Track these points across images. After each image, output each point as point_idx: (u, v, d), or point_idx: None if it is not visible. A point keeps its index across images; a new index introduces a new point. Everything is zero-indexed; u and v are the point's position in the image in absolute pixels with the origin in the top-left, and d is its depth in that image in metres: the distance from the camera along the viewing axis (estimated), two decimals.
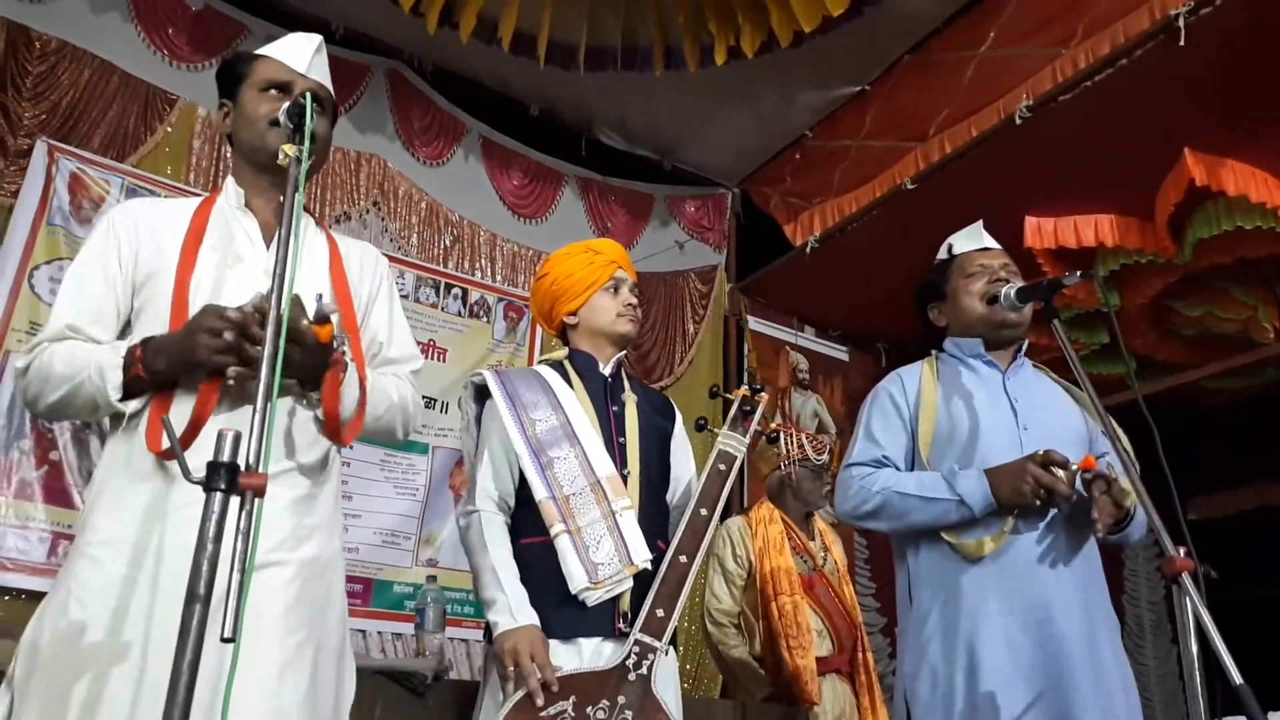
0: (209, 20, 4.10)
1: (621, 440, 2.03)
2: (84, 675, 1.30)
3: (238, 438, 1.03)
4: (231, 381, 1.38)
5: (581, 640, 1.83)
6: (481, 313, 4.57)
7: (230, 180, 1.68)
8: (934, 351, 2.20)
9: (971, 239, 2.20)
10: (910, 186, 4.27)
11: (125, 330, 1.54)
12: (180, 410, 1.42)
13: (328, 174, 4.24)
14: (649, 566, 1.86)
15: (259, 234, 1.62)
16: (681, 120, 5.01)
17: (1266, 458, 5.57)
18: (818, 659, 3.08)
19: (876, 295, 4.91)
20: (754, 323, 5.45)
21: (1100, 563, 1.95)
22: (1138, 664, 5.48)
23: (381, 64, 4.52)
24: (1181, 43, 3.23)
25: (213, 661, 1.12)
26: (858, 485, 2.03)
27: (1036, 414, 2.01)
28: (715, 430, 2.04)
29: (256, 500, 1.02)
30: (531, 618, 1.78)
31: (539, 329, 4.63)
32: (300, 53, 1.69)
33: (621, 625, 1.84)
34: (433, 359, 4.26)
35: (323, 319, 1.40)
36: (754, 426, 2.07)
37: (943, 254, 2.24)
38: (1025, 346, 2.14)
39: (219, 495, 1.01)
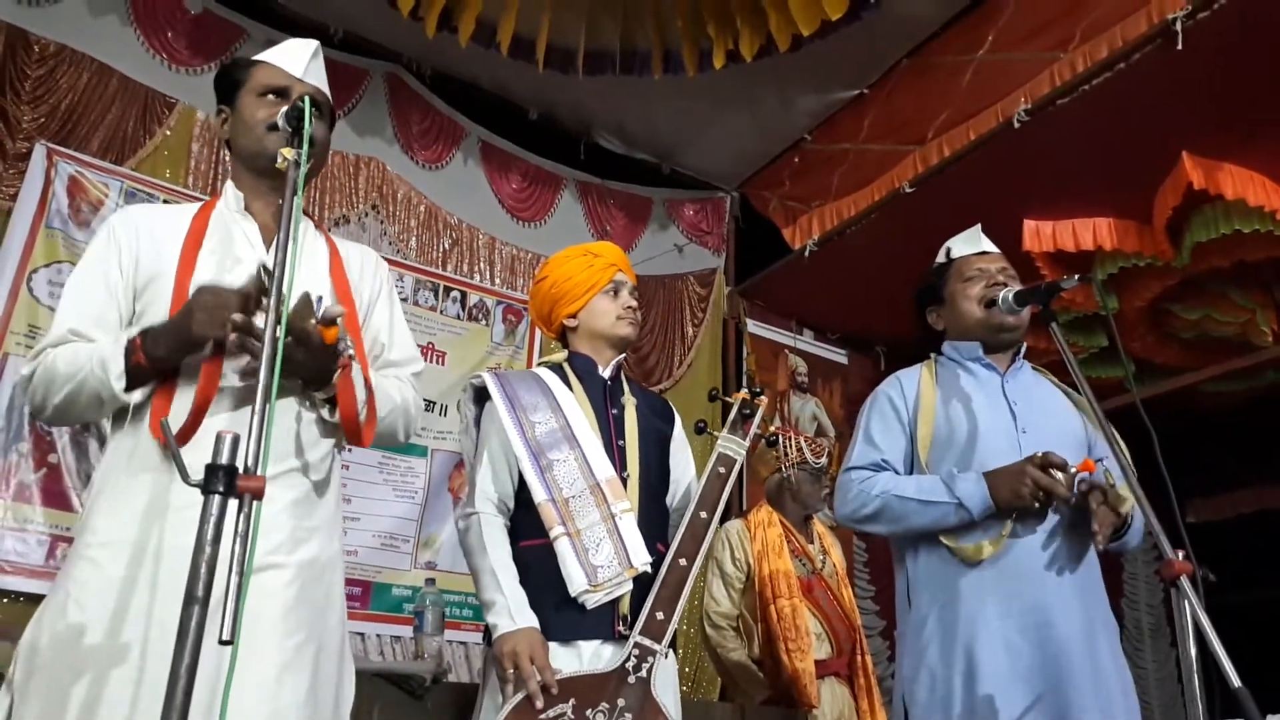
0: (208, 24, 4.10)
1: (621, 443, 2.03)
2: (83, 677, 1.30)
3: (236, 440, 1.03)
4: (231, 354, 1.37)
5: (581, 643, 1.82)
6: (480, 316, 4.57)
7: (230, 184, 1.68)
8: (933, 355, 2.20)
9: (969, 243, 2.20)
10: (909, 190, 4.27)
11: None
12: (184, 400, 1.43)
13: (326, 177, 4.24)
14: (648, 569, 1.86)
15: (259, 237, 1.62)
16: (680, 124, 5.01)
17: (1265, 461, 5.57)
18: (816, 662, 3.08)
19: (875, 298, 4.92)
20: (753, 326, 5.46)
21: (1099, 566, 1.95)
22: (1137, 667, 5.48)
23: (380, 67, 4.53)
24: (1179, 46, 3.24)
25: (211, 664, 1.12)
26: (857, 489, 2.03)
27: (1035, 417, 2.01)
28: (715, 433, 2.04)
29: (255, 503, 1.02)
30: (531, 620, 1.78)
31: (538, 332, 4.63)
32: (297, 58, 1.70)
33: (621, 628, 1.83)
34: (431, 362, 4.26)
35: (329, 321, 1.41)
36: (754, 430, 2.07)
37: (941, 258, 2.24)
38: (1024, 349, 2.15)
39: (217, 497, 1.01)
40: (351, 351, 1.53)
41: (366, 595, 3.89)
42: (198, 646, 0.96)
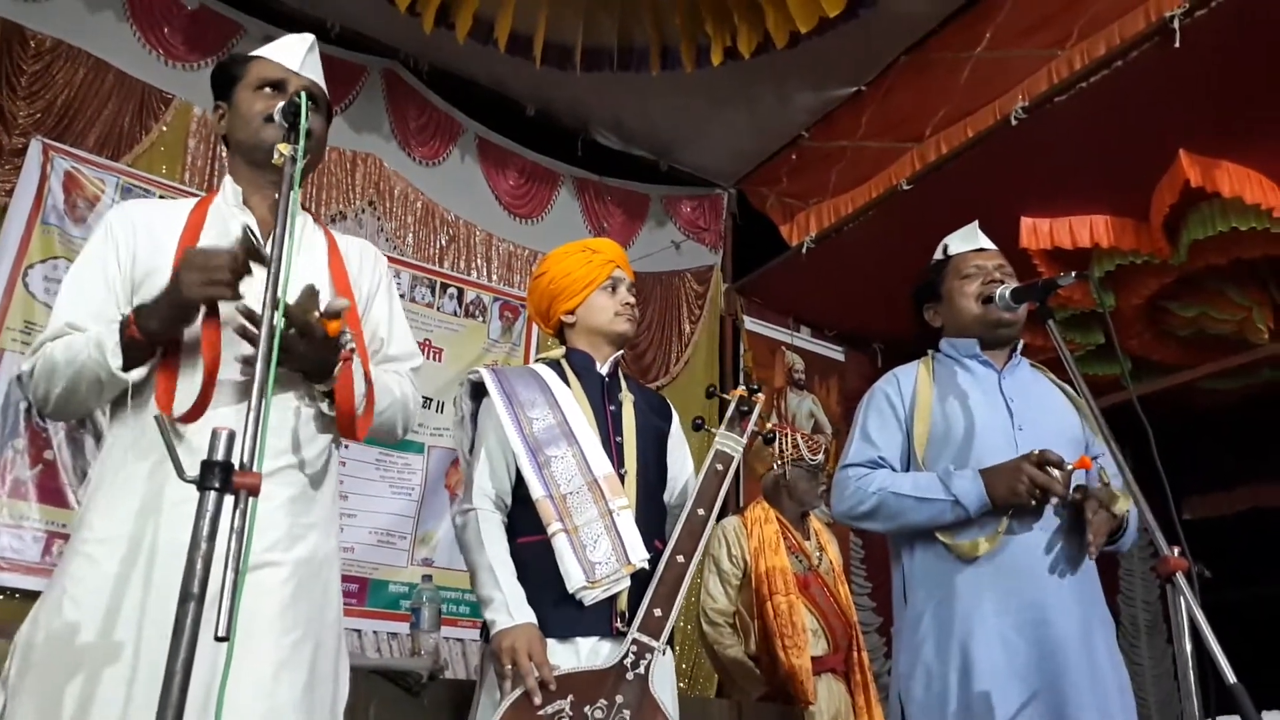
0: (204, 20, 4.09)
1: (618, 439, 2.02)
2: (78, 674, 1.30)
3: (232, 436, 1.02)
4: (235, 354, 1.37)
5: (579, 639, 1.82)
6: (477, 312, 4.57)
7: (228, 179, 1.68)
8: (930, 352, 2.20)
9: (967, 240, 2.20)
10: (906, 187, 4.27)
11: None
12: (186, 382, 1.42)
13: (323, 173, 4.23)
14: (646, 566, 1.86)
15: (257, 230, 1.62)
16: (678, 121, 5.01)
17: (1261, 458, 5.58)
18: (813, 658, 3.09)
19: (872, 296, 4.92)
20: (750, 323, 5.45)
21: (1095, 563, 1.95)
22: (1133, 664, 5.48)
23: (377, 64, 4.52)
24: (1177, 44, 3.24)
25: (207, 661, 1.12)
26: (854, 486, 2.04)
27: (1032, 414, 2.02)
28: (712, 430, 2.04)
29: (251, 499, 1.02)
30: (529, 616, 1.78)
31: (535, 329, 4.63)
32: (293, 51, 1.70)
33: (619, 625, 1.83)
34: (428, 359, 4.26)
35: (333, 314, 1.41)
36: (751, 427, 2.07)
37: (938, 255, 2.24)
38: (1021, 346, 2.15)
39: (213, 494, 1.01)
40: (353, 345, 1.53)
41: (363, 592, 3.89)
42: (193, 643, 0.96)
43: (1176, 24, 3.23)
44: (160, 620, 1.26)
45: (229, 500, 1.01)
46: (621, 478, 1.95)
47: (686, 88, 4.58)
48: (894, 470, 2.05)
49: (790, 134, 5.08)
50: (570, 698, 1.69)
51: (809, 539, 3.40)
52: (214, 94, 1.72)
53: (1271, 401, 5.12)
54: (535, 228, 4.91)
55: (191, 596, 0.97)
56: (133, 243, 1.56)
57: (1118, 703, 1.81)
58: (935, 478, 1.94)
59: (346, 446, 1.65)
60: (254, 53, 1.73)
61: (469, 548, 1.90)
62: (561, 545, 1.83)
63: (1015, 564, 1.87)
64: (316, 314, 1.40)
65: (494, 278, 4.69)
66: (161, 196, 3.74)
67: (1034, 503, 1.84)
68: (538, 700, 1.67)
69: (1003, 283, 2.07)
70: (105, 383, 1.42)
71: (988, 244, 2.19)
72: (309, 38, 1.74)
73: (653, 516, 2.01)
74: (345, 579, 3.53)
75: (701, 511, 1.92)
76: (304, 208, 1.76)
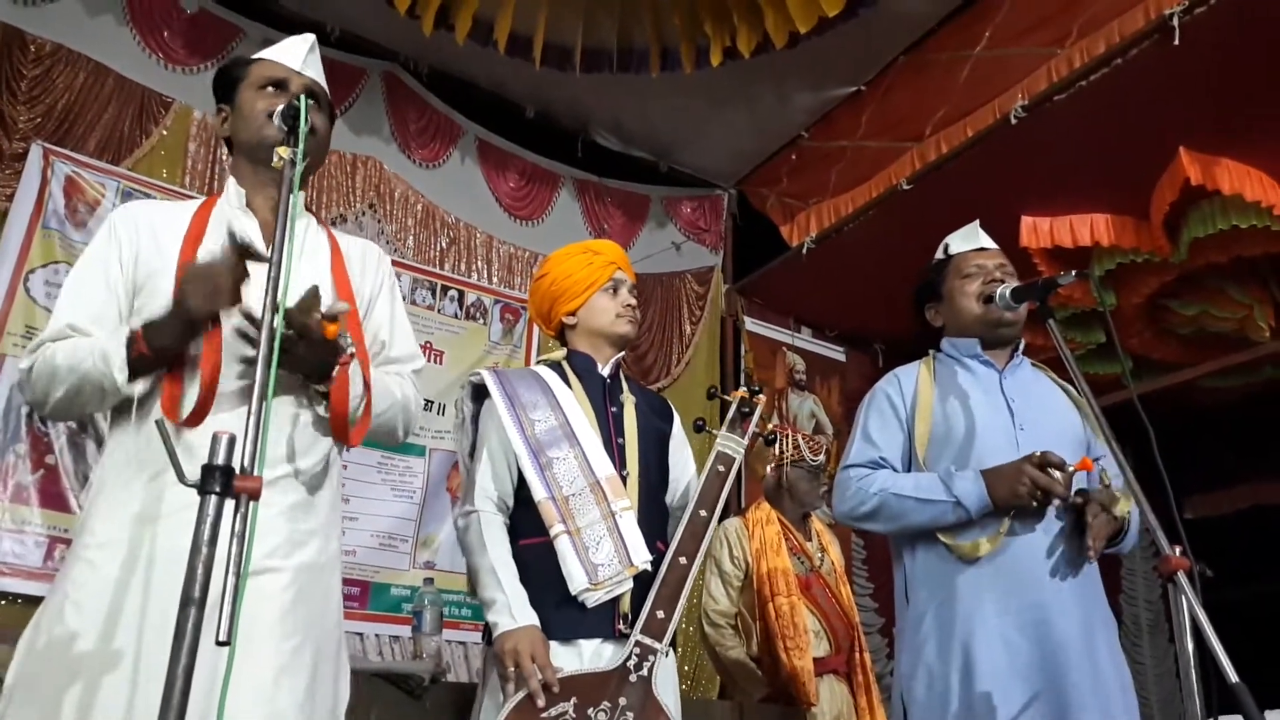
0: (204, 23, 4.09)
1: (620, 441, 2.02)
2: (80, 679, 1.30)
3: (233, 440, 1.02)
4: (235, 354, 1.38)
5: (581, 642, 1.82)
6: (478, 315, 4.57)
7: (231, 181, 1.69)
8: (931, 352, 2.20)
9: (968, 239, 2.20)
10: (906, 187, 4.27)
11: None
12: (192, 391, 1.43)
13: (323, 176, 4.24)
14: (649, 568, 1.86)
15: (259, 234, 1.62)
16: (677, 121, 5.01)
17: (1262, 456, 5.57)
18: (815, 659, 3.08)
19: (873, 296, 4.92)
20: (751, 324, 5.45)
21: (1097, 564, 1.95)
22: (1135, 663, 5.49)
23: (377, 66, 4.52)
24: (1176, 42, 3.24)
25: (207, 666, 1.12)
26: (855, 487, 2.04)
27: (1033, 414, 2.02)
28: (713, 431, 2.04)
29: (252, 503, 1.02)
30: (532, 618, 1.77)
31: (536, 331, 4.63)
32: (294, 52, 1.71)
33: (622, 626, 1.83)
34: (429, 361, 4.26)
35: (332, 317, 1.41)
36: (752, 428, 2.07)
37: (939, 254, 2.24)
38: (1022, 346, 2.15)
39: (214, 498, 1.01)
40: (353, 349, 1.53)
41: (365, 595, 3.89)
42: (194, 648, 0.96)
43: (1176, 21, 3.23)
44: (161, 625, 1.26)
45: (229, 505, 1.01)
46: (623, 479, 1.95)
47: (686, 88, 4.58)
48: (895, 471, 2.05)
49: (790, 134, 5.08)
50: (574, 700, 1.69)
51: (811, 540, 3.40)
52: (216, 97, 1.73)
53: (1273, 399, 5.12)
54: (536, 229, 4.91)
55: (192, 601, 0.97)
56: (136, 243, 1.56)
57: (1120, 702, 1.80)
58: (937, 479, 1.94)
59: (347, 449, 1.65)
60: (256, 55, 1.73)
61: (471, 550, 1.90)
62: (564, 547, 1.83)
63: (1016, 564, 1.87)
64: (317, 315, 1.40)
65: (495, 280, 4.69)
66: (162, 200, 3.74)
67: (1035, 504, 1.84)
68: (541, 702, 1.67)
69: (1004, 282, 2.07)
70: (108, 392, 1.43)
71: (989, 243, 2.19)
72: (310, 37, 1.74)
73: (655, 518, 2.01)
74: (347, 582, 3.54)
75: (703, 513, 1.92)
76: (307, 208, 1.77)
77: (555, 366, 2.11)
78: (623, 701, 1.72)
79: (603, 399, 2.06)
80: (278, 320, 1.21)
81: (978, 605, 1.85)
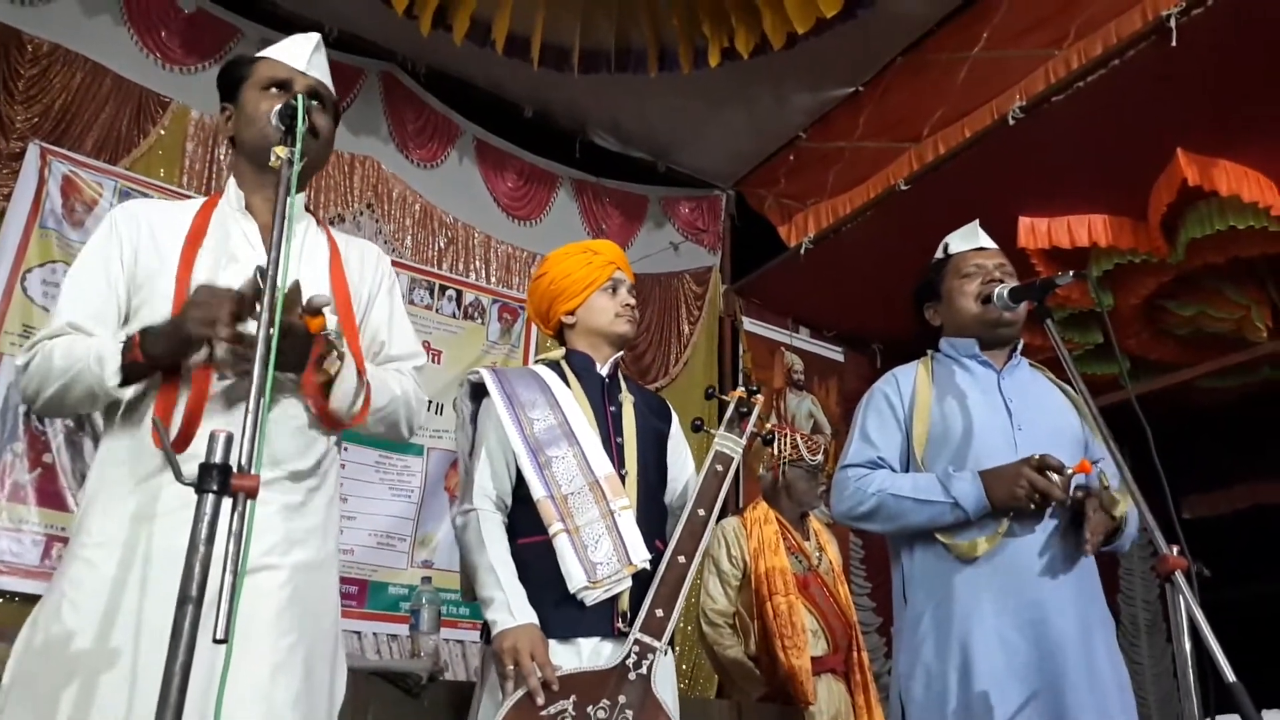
0: (202, 23, 4.09)
1: (619, 440, 2.02)
2: (77, 678, 1.30)
3: (230, 439, 1.02)
4: (220, 360, 1.38)
5: (580, 640, 1.82)
6: (476, 314, 4.57)
7: (231, 182, 1.68)
8: (929, 352, 2.20)
9: (967, 239, 2.20)
10: (904, 187, 4.27)
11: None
12: (180, 403, 1.42)
13: (321, 176, 4.23)
14: (647, 566, 1.86)
15: (258, 236, 1.62)
16: (675, 122, 5.01)
17: (1259, 456, 5.58)
18: (813, 659, 3.08)
19: (871, 296, 4.93)
20: (749, 324, 5.45)
21: (1095, 563, 1.95)
22: (1133, 663, 5.49)
23: (375, 66, 4.52)
24: (1173, 43, 3.25)
25: (204, 664, 1.12)
26: (853, 487, 2.04)
27: (1031, 414, 2.01)
28: (711, 431, 2.04)
29: (249, 502, 1.02)
30: (531, 616, 1.77)
31: (534, 331, 4.63)
32: (299, 51, 1.70)
33: (620, 625, 1.83)
34: (427, 361, 4.25)
35: (314, 310, 1.40)
36: (750, 428, 2.07)
37: (939, 254, 2.24)
38: (1021, 346, 2.15)
39: (211, 497, 1.00)
40: (335, 336, 1.52)
41: (363, 594, 3.89)
42: (192, 646, 0.96)
43: (1173, 23, 3.23)
44: (158, 624, 1.26)
45: (227, 503, 1.01)
46: (622, 478, 1.95)
47: (684, 89, 4.58)
48: (893, 471, 2.05)
49: (788, 135, 5.09)
50: (573, 698, 1.69)
51: (808, 539, 3.40)
52: (220, 95, 1.72)
53: (1270, 400, 5.12)
54: (533, 229, 4.91)
55: (190, 599, 0.97)
56: (135, 241, 1.56)
57: (1117, 702, 1.80)
58: (935, 479, 1.94)
59: (346, 449, 1.65)
60: (260, 53, 1.72)
61: (470, 548, 1.89)
62: (563, 545, 1.83)
63: (1014, 564, 1.87)
64: (299, 310, 1.40)
65: (492, 279, 4.69)
66: (159, 200, 3.74)
67: (1033, 507, 1.84)
68: (540, 700, 1.67)
69: (1002, 282, 2.07)
70: (100, 395, 1.43)
71: (988, 243, 2.18)
72: (314, 37, 1.73)
73: (653, 517, 2.01)
74: (345, 581, 3.54)
75: (702, 512, 1.92)
76: (307, 209, 1.76)
77: (554, 366, 2.11)
78: (622, 699, 1.72)
79: (601, 398, 2.06)
80: (276, 317, 1.21)
81: (975, 605, 1.85)
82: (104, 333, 1.49)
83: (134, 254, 1.55)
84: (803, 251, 4.85)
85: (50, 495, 3.31)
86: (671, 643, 1.86)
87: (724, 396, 2.11)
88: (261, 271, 1.34)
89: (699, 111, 4.87)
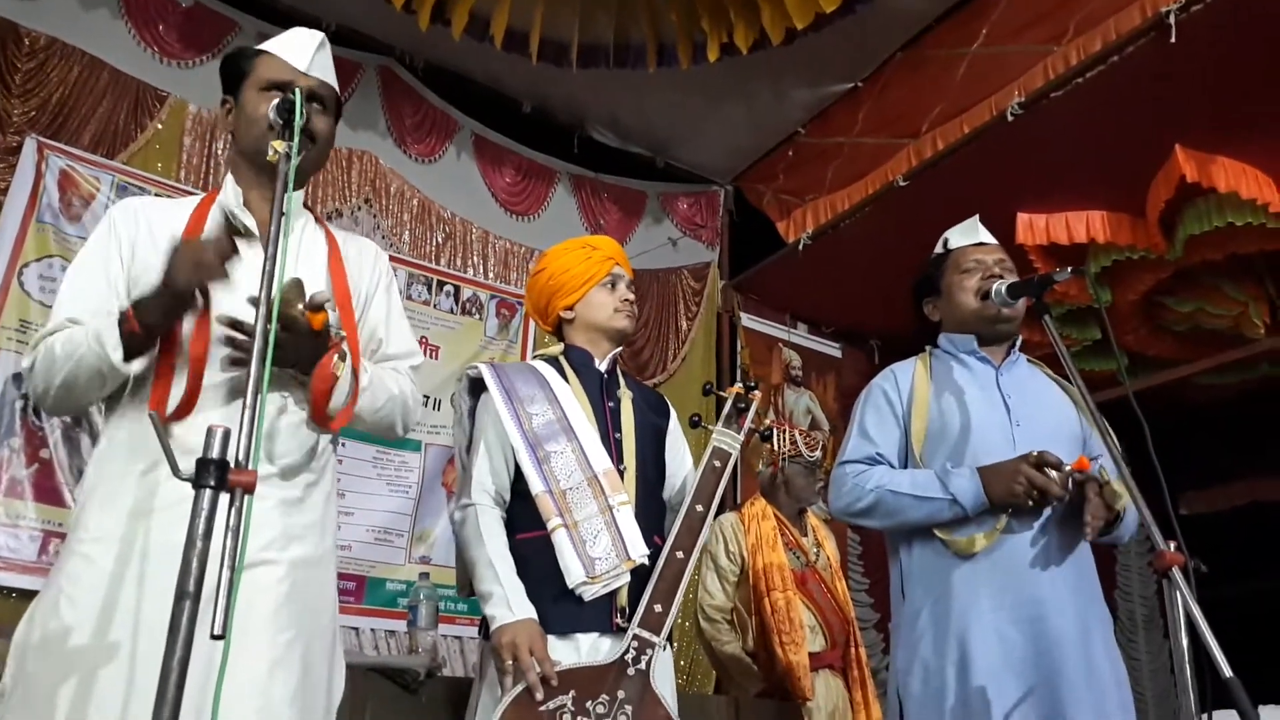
0: (200, 17, 4.08)
1: (618, 436, 2.02)
2: (75, 673, 1.30)
3: (227, 434, 1.02)
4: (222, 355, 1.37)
5: (579, 635, 1.82)
6: (474, 310, 4.56)
7: (229, 179, 1.68)
8: (928, 348, 2.20)
9: (967, 234, 2.19)
10: (903, 183, 4.27)
11: None
12: (181, 379, 1.43)
13: (320, 171, 4.23)
14: (646, 562, 1.86)
15: (256, 233, 1.62)
16: (674, 117, 5.00)
17: (1258, 453, 5.59)
18: (810, 655, 3.09)
19: (869, 292, 4.93)
20: (747, 319, 5.45)
21: (1093, 559, 1.95)
22: (1130, 659, 5.49)
23: (373, 61, 4.51)
24: (1172, 39, 3.24)
25: (202, 659, 1.12)
26: (851, 483, 2.03)
27: (1029, 410, 2.01)
28: (709, 427, 2.04)
29: (246, 497, 1.02)
30: (529, 611, 1.77)
31: (532, 326, 4.62)
32: (302, 51, 1.67)
33: (619, 620, 1.83)
34: (425, 356, 4.23)
35: (316, 307, 1.40)
36: (748, 424, 2.07)
37: (939, 249, 2.23)
38: (1019, 342, 2.14)
39: (208, 492, 1.00)
40: (343, 333, 1.53)
41: (361, 590, 3.89)
42: (189, 642, 0.96)
43: (1172, 19, 3.23)
44: (156, 619, 1.26)
45: (224, 499, 1.01)
46: (621, 474, 1.95)
47: (683, 84, 4.57)
48: (891, 467, 2.05)
49: (787, 130, 5.08)
50: (572, 693, 1.69)
51: (806, 535, 3.41)
52: (222, 86, 1.70)
53: (1268, 396, 5.13)
54: (532, 225, 4.91)
55: (187, 595, 0.97)
56: (134, 238, 1.56)
57: (1115, 698, 1.81)
58: (933, 475, 1.94)
59: (344, 445, 1.65)
60: (263, 46, 1.69)
61: (468, 543, 1.89)
62: (561, 540, 1.83)
63: (1012, 560, 1.87)
64: (301, 306, 1.40)
65: (490, 275, 4.69)
66: (157, 194, 3.73)
67: (1031, 504, 1.84)
68: (539, 695, 1.67)
69: (1001, 278, 2.07)
70: (106, 375, 1.41)
71: (988, 238, 2.18)
72: (318, 35, 1.70)
73: (652, 512, 2.01)
74: (343, 577, 3.54)
75: (700, 508, 1.92)
76: (305, 207, 1.76)
77: (552, 361, 2.11)
78: (621, 694, 1.72)
79: (600, 394, 2.06)
80: (271, 315, 1.21)
81: (973, 601, 1.86)
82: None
83: (132, 251, 1.55)
84: (801, 247, 4.85)
85: (47, 491, 3.31)
86: (670, 638, 1.86)
87: (722, 393, 2.12)
88: (229, 213, 1.34)
89: (698, 107, 4.86)
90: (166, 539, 1.32)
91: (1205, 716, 1.37)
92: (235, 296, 1.43)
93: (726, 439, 2.01)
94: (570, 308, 2.15)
